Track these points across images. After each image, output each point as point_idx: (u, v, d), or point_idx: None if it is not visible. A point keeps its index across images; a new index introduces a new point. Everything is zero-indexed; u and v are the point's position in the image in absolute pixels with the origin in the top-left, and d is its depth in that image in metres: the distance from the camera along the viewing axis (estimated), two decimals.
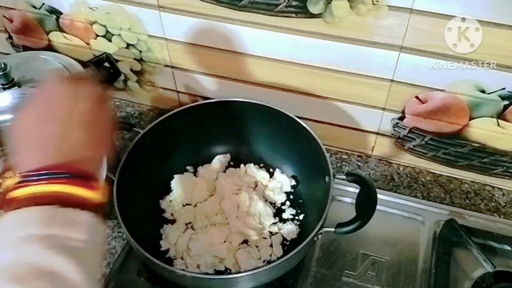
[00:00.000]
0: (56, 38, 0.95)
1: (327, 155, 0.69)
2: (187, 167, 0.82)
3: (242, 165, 0.82)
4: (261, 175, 0.81)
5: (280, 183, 0.80)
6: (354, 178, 0.66)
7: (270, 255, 0.71)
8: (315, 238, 0.63)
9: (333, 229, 0.61)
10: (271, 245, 0.72)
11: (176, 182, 0.79)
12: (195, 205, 0.77)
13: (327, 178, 0.68)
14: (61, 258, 0.34)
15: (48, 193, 0.36)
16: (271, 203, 0.79)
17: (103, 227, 0.39)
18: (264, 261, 0.70)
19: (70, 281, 0.34)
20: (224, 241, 0.70)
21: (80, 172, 0.39)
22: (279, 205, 0.79)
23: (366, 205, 0.62)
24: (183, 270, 0.67)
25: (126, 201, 0.66)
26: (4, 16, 0.96)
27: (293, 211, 0.78)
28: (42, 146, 0.40)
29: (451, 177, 0.87)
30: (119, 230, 0.80)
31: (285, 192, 0.80)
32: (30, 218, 0.35)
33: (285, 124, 0.76)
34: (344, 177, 0.67)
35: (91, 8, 0.86)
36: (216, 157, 0.83)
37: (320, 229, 0.62)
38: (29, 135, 0.41)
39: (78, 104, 0.43)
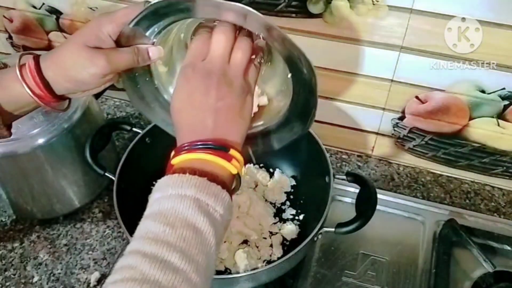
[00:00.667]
0: (56, 38, 0.95)
1: (327, 155, 0.69)
2: None
3: None
4: (261, 175, 0.81)
5: (280, 183, 0.80)
6: (354, 178, 0.66)
7: (270, 255, 0.71)
8: (315, 238, 0.63)
9: (333, 229, 0.61)
10: (271, 245, 0.72)
11: None
12: None
13: (327, 178, 0.68)
14: (205, 219, 0.40)
15: (197, 160, 0.43)
16: (271, 203, 0.79)
17: (231, 211, 0.44)
18: (264, 261, 0.70)
19: (206, 239, 0.40)
20: (224, 241, 0.70)
21: (223, 144, 0.44)
22: (279, 205, 0.79)
23: (366, 205, 0.62)
24: None
25: (126, 201, 0.66)
26: (4, 16, 0.96)
27: (293, 211, 0.78)
28: (195, 126, 0.46)
29: (451, 177, 0.87)
30: (119, 230, 0.80)
31: (285, 192, 0.80)
32: (185, 181, 0.41)
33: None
34: (344, 177, 0.67)
35: (91, 8, 0.86)
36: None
37: (320, 229, 0.62)
38: (185, 116, 0.46)
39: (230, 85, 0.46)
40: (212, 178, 0.42)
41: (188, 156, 0.44)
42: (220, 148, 0.44)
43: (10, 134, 0.56)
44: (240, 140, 0.46)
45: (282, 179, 0.81)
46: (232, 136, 0.46)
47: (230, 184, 0.44)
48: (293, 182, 0.81)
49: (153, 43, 0.51)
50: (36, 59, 0.51)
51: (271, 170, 0.83)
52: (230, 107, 0.45)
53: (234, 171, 0.44)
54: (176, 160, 0.44)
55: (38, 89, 0.50)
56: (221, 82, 0.45)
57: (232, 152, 0.44)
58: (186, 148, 0.44)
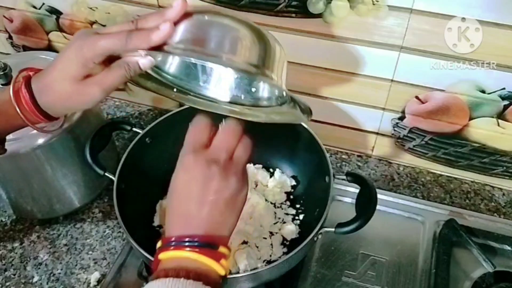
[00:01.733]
0: (56, 38, 0.95)
1: (327, 155, 0.69)
2: None
3: None
4: (261, 175, 0.81)
5: (280, 183, 0.80)
6: (354, 178, 0.66)
7: (270, 255, 0.71)
8: (315, 238, 0.63)
9: (333, 229, 0.61)
10: (271, 245, 0.72)
11: None
12: None
13: (327, 178, 0.68)
14: None
15: (187, 259, 0.43)
16: (271, 203, 0.78)
17: None
18: (264, 261, 0.70)
19: None
20: None
21: (213, 241, 0.44)
22: (279, 205, 0.79)
23: (366, 205, 0.62)
24: None
25: (126, 201, 0.66)
26: (4, 16, 0.96)
27: (293, 211, 0.78)
28: (188, 217, 0.45)
29: (451, 177, 0.87)
30: (119, 230, 0.80)
31: (285, 192, 0.80)
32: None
33: (284, 124, 0.76)
34: (344, 177, 0.67)
35: (91, 8, 0.86)
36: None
37: (320, 229, 0.62)
38: (179, 205, 0.46)
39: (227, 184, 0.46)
40: (207, 281, 0.41)
41: (177, 254, 0.43)
42: (210, 246, 0.44)
43: (5, 151, 0.59)
44: (229, 234, 0.47)
45: (282, 179, 0.81)
46: (223, 231, 0.46)
47: (220, 284, 0.44)
48: (293, 182, 0.81)
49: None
50: (30, 90, 0.51)
51: (271, 170, 0.83)
52: (226, 201, 0.45)
53: (222, 273, 0.44)
54: (165, 256, 0.44)
55: (33, 116, 0.52)
56: (221, 177, 0.45)
57: (221, 249, 0.44)
58: (173, 244, 0.44)
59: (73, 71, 0.49)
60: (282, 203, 0.79)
